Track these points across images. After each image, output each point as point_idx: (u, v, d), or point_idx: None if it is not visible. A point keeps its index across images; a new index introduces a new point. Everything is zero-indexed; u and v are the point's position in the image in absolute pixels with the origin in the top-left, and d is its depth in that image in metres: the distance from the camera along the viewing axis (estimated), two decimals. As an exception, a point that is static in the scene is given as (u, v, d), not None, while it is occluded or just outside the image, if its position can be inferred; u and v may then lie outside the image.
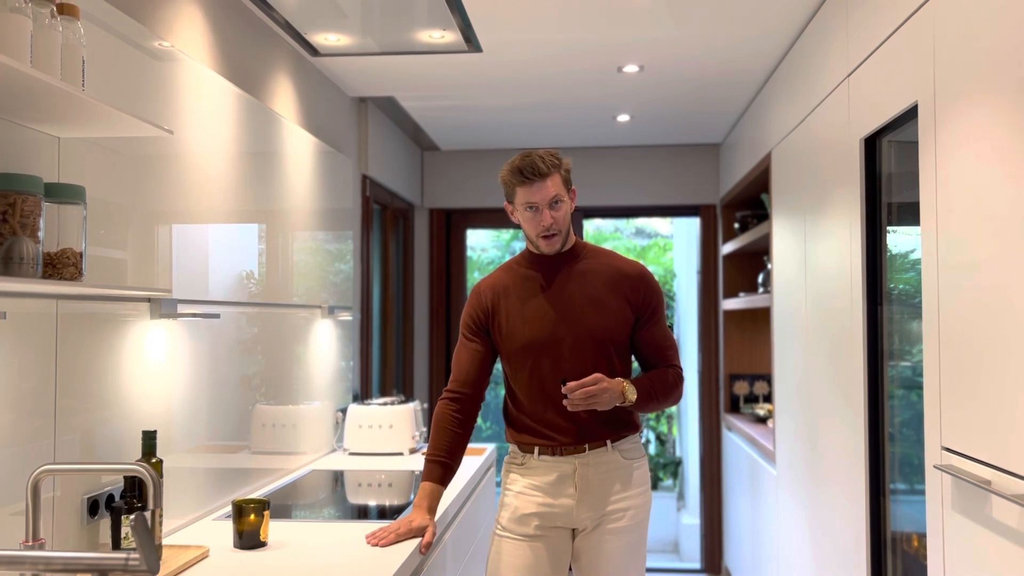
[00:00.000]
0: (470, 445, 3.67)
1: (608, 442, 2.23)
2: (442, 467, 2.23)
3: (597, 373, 2.12)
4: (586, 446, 2.22)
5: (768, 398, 4.85)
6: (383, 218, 4.74)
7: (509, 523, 2.24)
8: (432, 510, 2.20)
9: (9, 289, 1.60)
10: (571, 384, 2.09)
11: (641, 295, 2.27)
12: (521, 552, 2.22)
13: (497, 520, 2.29)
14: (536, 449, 2.24)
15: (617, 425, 2.24)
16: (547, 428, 2.23)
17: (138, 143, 2.06)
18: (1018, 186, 1.55)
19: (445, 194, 5.34)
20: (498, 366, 2.36)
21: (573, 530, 2.26)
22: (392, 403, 3.49)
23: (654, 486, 7.17)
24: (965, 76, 1.77)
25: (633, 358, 2.34)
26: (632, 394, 2.17)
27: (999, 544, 1.63)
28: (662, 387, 2.25)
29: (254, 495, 2.66)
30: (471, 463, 3.22)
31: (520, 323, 2.24)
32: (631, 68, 3.60)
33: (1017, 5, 1.56)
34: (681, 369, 2.33)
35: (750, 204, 4.78)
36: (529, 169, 2.17)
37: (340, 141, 3.82)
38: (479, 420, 7.83)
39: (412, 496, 2.71)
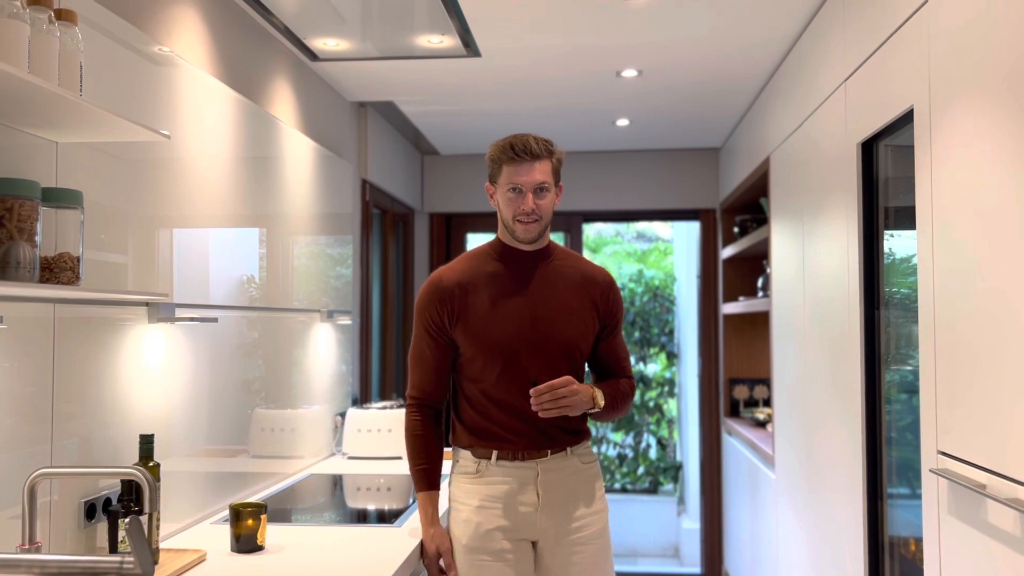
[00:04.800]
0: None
1: (568, 448, 2.15)
2: (431, 472, 2.16)
3: (567, 376, 2.03)
4: (548, 451, 2.12)
5: (768, 402, 4.84)
6: (383, 222, 4.75)
7: (475, 541, 2.09)
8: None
9: (6, 293, 1.60)
10: (541, 387, 2.00)
11: (609, 304, 2.21)
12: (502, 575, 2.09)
13: (456, 539, 2.12)
14: (494, 455, 2.12)
15: (575, 430, 2.17)
16: (509, 432, 2.12)
17: (136, 148, 2.07)
18: (1014, 190, 1.56)
19: (445, 198, 5.34)
20: None
21: (533, 543, 2.14)
22: (391, 407, 3.49)
23: (655, 490, 7.17)
24: (960, 80, 1.78)
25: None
26: (601, 400, 2.10)
27: (995, 548, 1.63)
28: (621, 396, 2.20)
29: (252, 499, 2.66)
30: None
31: (491, 323, 2.11)
32: (630, 72, 3.61)
33: (1012, 10, 1.57)
34: (634, 379, 2.30)
35: (749, 208, 4.79)
36: (521, 147, 2.08)
37: (340, 146, 3.83)
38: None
39: (411, 500, 2.71)
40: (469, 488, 2.14)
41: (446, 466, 2.29)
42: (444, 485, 2.23)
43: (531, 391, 2.02)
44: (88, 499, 1.87)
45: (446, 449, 2.26)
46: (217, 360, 2.52)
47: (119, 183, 2.01)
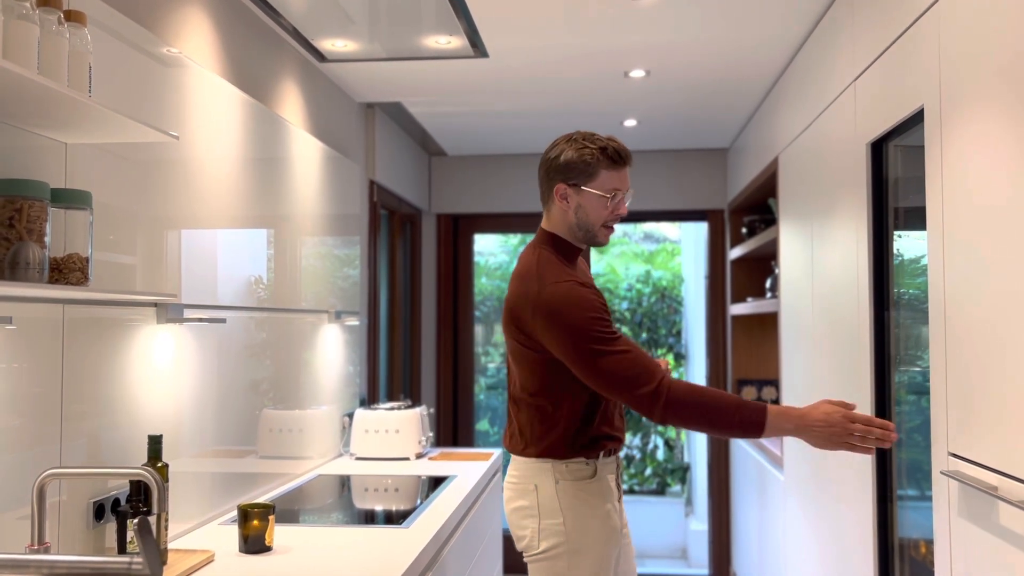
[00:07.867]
0: (474, 450, 3.67)
1: None
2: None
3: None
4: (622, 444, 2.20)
5: (776, 403, 4.83)
6: (390, 223, 4.75)
7: (613, 541, 2.07)
8: None
9: (15, 294, 1.61)
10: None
11: None
12: None
13: (601, 543, 2.04)
14: (601, 452, 2.08)
15: None
16: (613, 429, 2.11)
17: (145, 148, 2.07)
18: (1024, 191, 1.55)
19: (452, 199, 5.35)
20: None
21: None
22: (399, 408, 3.49)
23: (662, 492, 7.16)
24: (971, 80, 1.77)
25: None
26: None
27: (1006, 550, 1.62)
28: None
29: (260, 499, 2.66)
30: (476, 468, 3.22)
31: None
32: (637, 73, 3.61)
33: (1023, 9, 1.56)
34: None
35: (757, 209, 4.78)
36: (624, 152, 2.07)
37: (347, 146, 3.83)
38: (487, 424, 7.75)
39: (419, 500, 2.71)
40: (594, 489, 2.06)
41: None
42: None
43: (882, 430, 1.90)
44: (97, 499, 1.88)
45: (535, 459, 2.08)
46: (225, 361, 2.53)
47: (128, 184, 2.01)
